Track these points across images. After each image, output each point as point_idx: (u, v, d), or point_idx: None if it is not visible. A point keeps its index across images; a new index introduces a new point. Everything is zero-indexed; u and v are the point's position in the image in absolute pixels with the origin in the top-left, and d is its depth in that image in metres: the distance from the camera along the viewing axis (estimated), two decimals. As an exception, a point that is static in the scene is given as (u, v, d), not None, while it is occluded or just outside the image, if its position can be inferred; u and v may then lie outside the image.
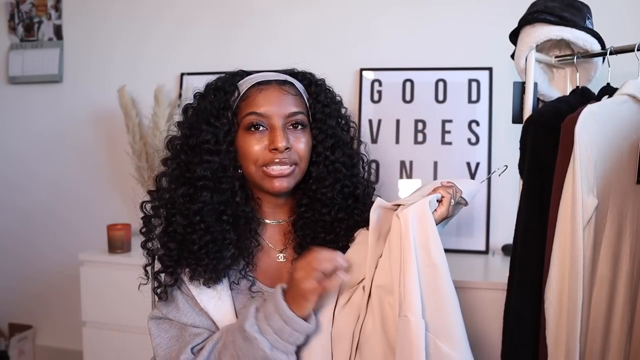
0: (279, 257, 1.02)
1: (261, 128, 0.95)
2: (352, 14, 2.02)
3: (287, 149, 0.94)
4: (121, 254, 1.95)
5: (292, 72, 1.05)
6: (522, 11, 1.30)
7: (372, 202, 1.06)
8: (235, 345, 0.86)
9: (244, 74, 1.03)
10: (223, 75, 1.02)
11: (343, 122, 1.05)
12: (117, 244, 1.95)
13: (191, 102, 1.01)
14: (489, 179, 0.99)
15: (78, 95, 2.36)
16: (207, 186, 0.93)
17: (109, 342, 1.94)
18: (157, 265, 0.98)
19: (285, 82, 0.99)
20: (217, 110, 0.96)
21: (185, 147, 0.96)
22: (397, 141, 1.94)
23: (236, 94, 0.98)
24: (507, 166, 1.04)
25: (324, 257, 0.86)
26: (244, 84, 0.99)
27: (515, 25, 1.31)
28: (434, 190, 0.92)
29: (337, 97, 1.06)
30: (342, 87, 1.99)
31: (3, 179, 2.51)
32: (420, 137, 1.93)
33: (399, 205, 0.91)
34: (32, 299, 2.51)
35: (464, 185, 0.97)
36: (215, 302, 0.94)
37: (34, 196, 2.46)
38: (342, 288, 0.93)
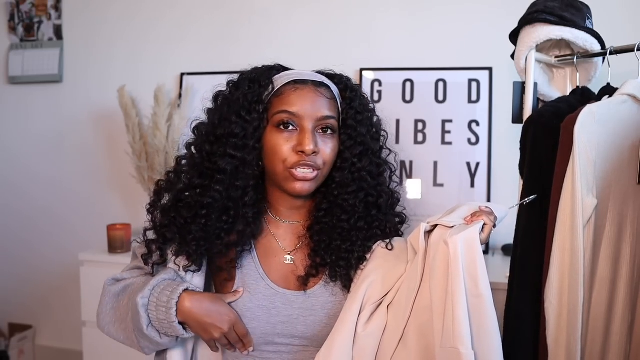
0: (287, 259, 1.01)
1: (290, 127, 0.93)
2: (352, 14, 2.02)
3: (314, 152, 0.92)
4: (121, 254, 1.95)
5: (329, 74, 1.03)
6: (522, 11, 1.30)
7: (395, 213, 1.06)
8: (131, 305, 0.92)
9: (280, 68, 1.01)
10: (259, 67, 1.00)
11: (374, 130, 1.03)
12: (117, 244, 1.95)
13: (223, 89, 0.99)
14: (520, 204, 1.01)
15: (78, 95, 2.36)
16: (222, 181, 0.93)
17: (109, 342, 1.92)
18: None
19: (321, 84, 0.97)
20: (249, 103, 0.94)
21: (211, 137, 0.95)
22: (397, 141, 1.94)
23: (270, 89, 0.96)
24: (536, 196, 1.02)
25: (242, 333, 0.94)
26: (280, 80, 0.96)
27: (515, 25, 1.31)
28: (475, 215, 0.90)
29: (371, 105, 1.04)
30: (342, 87, 2.00)
31: (3, 179, 2.51)
32: (420, 137, 1.93)
33: (434, 225, 0.90)
34: (32, 299, 2.51)
35: (496, 210, 0.94)
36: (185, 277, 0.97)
37: (34, 196, 2.46)
38: (365, 304, 0.92)
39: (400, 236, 1.06)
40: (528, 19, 1.26)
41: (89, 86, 2.34)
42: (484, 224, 0.87)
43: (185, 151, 1.00)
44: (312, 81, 0.97)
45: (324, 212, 1.00)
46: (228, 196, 0.93)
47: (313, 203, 1.03)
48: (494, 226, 0.91)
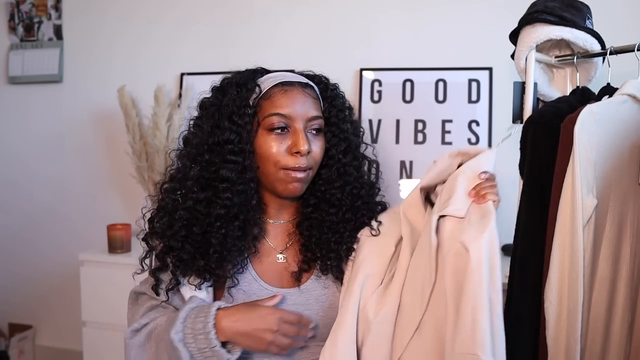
0: (279, 258, 1.02)
1: (283, 129, 0.95)
2: (352, 14, 2.02)
3: (309, 152, 0.94)
4: (121, 254, 1.95)
5: (308, 75, 1.05)
6: (522, 11, 1.30)
7: (376, 203, 1.07)
8: (165, 345, 0.89)
9: (264, 71, 1.02)
10: (243, 71, 1.01)
11: (354, 126, 1.06)
12: (117, 244, 1.95)
13: (208, 96, 0.99)
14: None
15: (78, 95, 2.36)
16: (229, 189, 0.93)
17: (109, 342, 1.94)
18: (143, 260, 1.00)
19: (307, 84, 0.99)
20: (238, 107, 0.94)
21: (205, 146, 0.94)
22: (397, 141, 1.94)
23: (257, 91, 0.96)
24: (510, 134, 1.03)
25: (294, 320, 0.91)
26: (266, 82, 0.97)
27: (515, 25, 1.31)
28: (479, 188, 0.87)
29: (348, 103, 1.07)
30: (342, 87, 1.96)
31: (3, 179, 2.51)
32: (420, 137, 1.93)
33: (425, 191, 0.89)
34: (32, 299, 2.51)
35: (487, 164, 0.90)
36: (192, 292, 0.96)
37: (34, 196, 2.47)
38: (366, 298, 0.92)
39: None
40: (528, 19, 1.26)
41: (89, 86, 2.34)
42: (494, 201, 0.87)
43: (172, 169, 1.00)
44: (299, 82, 0.98)
45: (312, 208, 1.02)
46: (235, 203, 0.94)
47: (300, 201, 1.04)
48: None
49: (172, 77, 2.20)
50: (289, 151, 0.94)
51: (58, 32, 2.38)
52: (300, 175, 0.95)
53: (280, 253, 1.02)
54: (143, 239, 0.99)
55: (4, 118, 2.50)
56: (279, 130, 0.94)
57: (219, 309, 0.89)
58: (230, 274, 0.96)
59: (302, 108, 0.95)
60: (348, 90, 1.99)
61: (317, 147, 0.97)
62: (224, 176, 0.92)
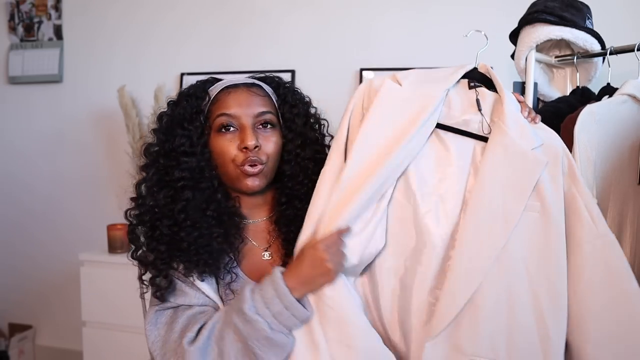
0: (264, 255, 1.05)
1: (232, 129, 0.99)
2: (352, 15, 2.02)
3: (256, 147, 0.98)
4: (121, 253, 1.95)
5: (259, 77, 1.09)
6: (521, 12, 1.30)
7: None
8: (236, 326, 0.89)
9: (214, 80, 1.06)
10: (194, 83, 1.06)
11: (312, 120, 1.09)
12: (117, 244, 1.95)
13: (165, 110, 1.04)
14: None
15: (78, 95, 2.36)
16: (187, 186, 0.96)
17: (109, 342, 1.95)
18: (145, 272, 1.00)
19: (252, 84, 1.04)
20: (189, 115, 0.99)
21: (161, 152, 0.99)
22: (397, 141, 1.93)
23: (207, 99, 1.02)
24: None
25: (335, 240, 0.90)
26: (214, 89, 1.03)
27: (515, 25, 1.31)
28: (527, 110, 0.95)
29: (306, 98, 1.10)
30: (342, 87, 1.99)
31: (3, 179, 2.51)
32: (420, 137, 1.92)
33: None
34: (32, 299, 2.51)
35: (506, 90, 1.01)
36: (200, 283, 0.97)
37: (34, 196, 2.47)
38: None
39: None
40: (528, 19, 1.26)
41: (89, 86, 2.34)
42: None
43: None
44: (244, 83, 1.03)
45: (285, 205, 1.04)
46: (200, 198, 0.97)
47: (271, 198, 1.07)
48: None
49: (172, 77, 2.20)
50: (239, 147, 0.98)
51: (58, 32, 2.38)
52: (253, 169, 0.98)
53: (265, 251, 1.05)
54: (134, 258, 0.99)
55: (4, 118, 2.50)
56: (227, 130, 0.98)
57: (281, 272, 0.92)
58: (228, 268, 0.98)
59: (248, 105, 0.99)
60: (348, 90, 1.99)
61: (268, 141, 1.00)
62: (179, 176, 0.96)
